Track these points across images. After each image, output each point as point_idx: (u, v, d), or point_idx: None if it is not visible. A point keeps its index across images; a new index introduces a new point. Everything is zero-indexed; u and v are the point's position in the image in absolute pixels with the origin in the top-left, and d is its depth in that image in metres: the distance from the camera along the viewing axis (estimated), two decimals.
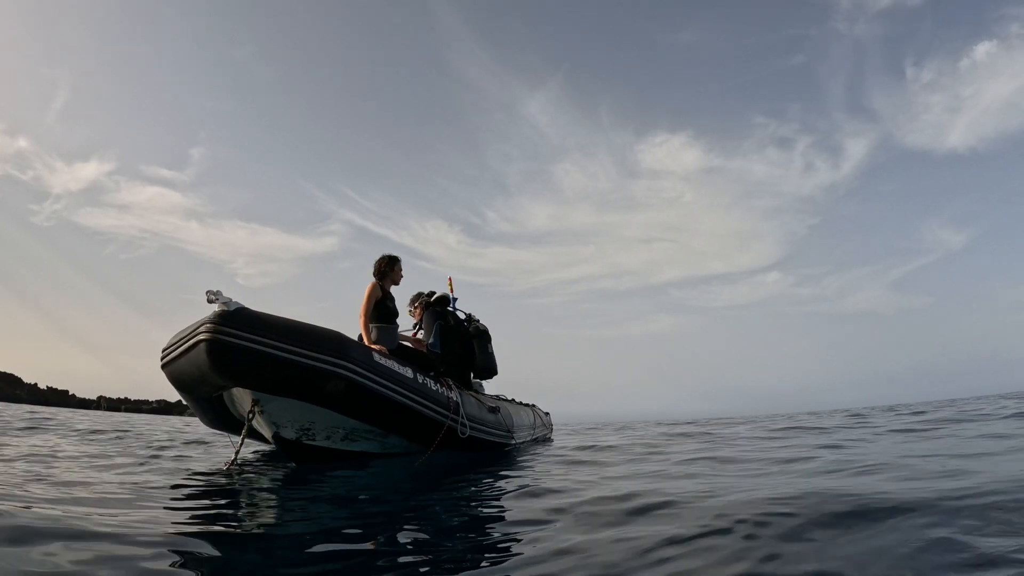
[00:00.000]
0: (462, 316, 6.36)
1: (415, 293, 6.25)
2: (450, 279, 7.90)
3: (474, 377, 6.10)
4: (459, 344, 5.85)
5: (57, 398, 37.77)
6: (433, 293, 6.14)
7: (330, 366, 3.95)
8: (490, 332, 6.34)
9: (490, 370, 6.19)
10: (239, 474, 3.89)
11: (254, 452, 5.55)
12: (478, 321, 6.39)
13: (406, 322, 6.76)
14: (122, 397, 41.95)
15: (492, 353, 6.32)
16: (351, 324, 5.03)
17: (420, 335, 6.05)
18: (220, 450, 5.62)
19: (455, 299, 7.74)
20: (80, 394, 40.53)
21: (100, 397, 40.64)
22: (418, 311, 6.11)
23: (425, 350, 5.57)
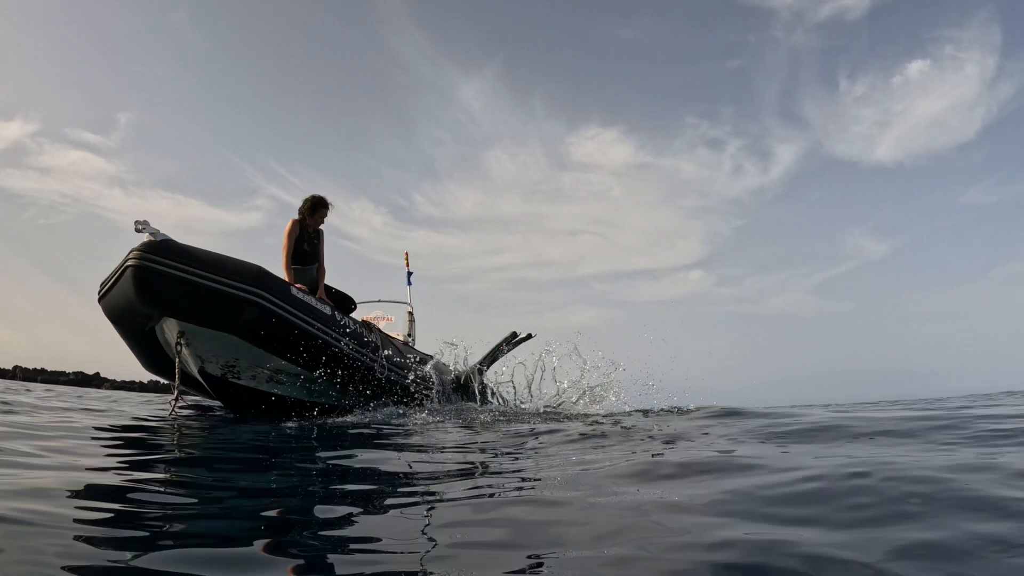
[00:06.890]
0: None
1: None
2: (407, 253, 7.95)
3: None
4: None
5: None
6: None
7: (246, 294, 4.17)
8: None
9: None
10: (176, 423, 3.91)
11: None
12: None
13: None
14: (39, 368, 39.93)
15: None
16: None
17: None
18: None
19: (410, 273, 7.88)
20: None
21: (16, 367, 38.54)
22: None
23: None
